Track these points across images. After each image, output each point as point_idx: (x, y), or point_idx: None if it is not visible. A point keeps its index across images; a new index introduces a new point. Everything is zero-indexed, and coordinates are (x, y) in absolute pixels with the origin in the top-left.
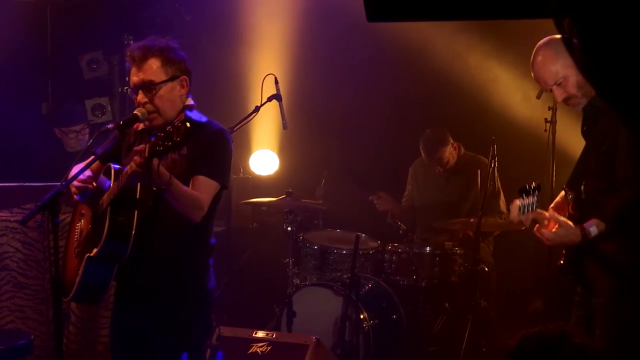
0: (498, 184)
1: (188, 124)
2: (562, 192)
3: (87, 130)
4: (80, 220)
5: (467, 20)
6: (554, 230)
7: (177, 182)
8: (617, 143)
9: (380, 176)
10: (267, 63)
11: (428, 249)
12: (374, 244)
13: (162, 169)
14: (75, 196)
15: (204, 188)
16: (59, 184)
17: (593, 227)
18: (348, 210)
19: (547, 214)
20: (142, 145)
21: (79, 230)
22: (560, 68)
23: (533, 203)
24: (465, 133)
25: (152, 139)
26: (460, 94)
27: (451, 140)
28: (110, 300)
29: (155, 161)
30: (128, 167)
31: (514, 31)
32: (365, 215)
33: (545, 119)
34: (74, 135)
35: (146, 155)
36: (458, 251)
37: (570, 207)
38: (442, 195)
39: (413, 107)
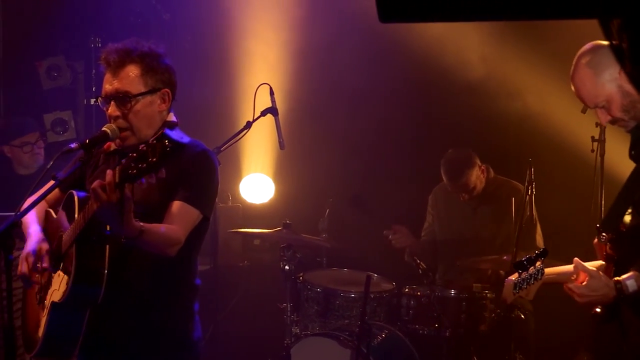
0: (535, 214)
1: (166, 142)
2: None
3: (42, 143)
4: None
5: (497, 20)
6: (584, 283)
7: (148, 230)
8: None
9: (395, 206)
10: (261, 71)
11: (452, 292)
12: (388, 286)
13: (130, 212)
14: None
15: (181, 217)
16: (13, 214)
17: (631, 281)
18: (357, 246)
19: (570, 266)
20: (108, 174)
21: (40, 272)
22: (602, 89)
23: (534, 274)
24: (496, 154)
25: (123, 161)
26: (489, 108)
27: (478, 162)
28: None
29: (128, 187)
30: (90, 200)
31: (555, 33)
32: (378, 252)
33: (592, 137)
34: (28, 148)
35: (117, 180)
36: (489, 295)
37: (607, 246)
38: (468, 228)
39: (433, 124)
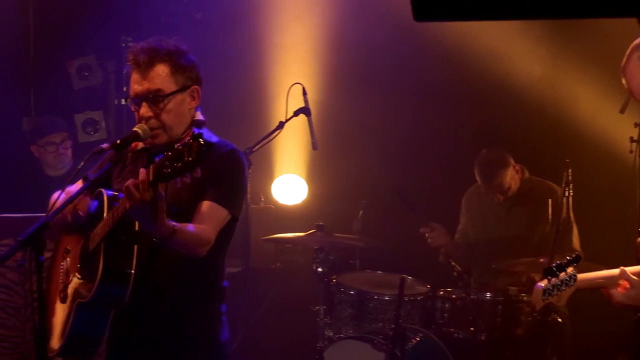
0: (571, 215)
1: (201, 141)
2: None
3: (69, 144)
4: (65, 258)
5: (533, 19)
6: (624, 291)
7: (180, 230)
8: None
9: (430, 207)
10: (294, 70)
11: (488, 295)
12: (422, 289)
13: (163, 211)
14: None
15: (210, 217)
16: (43, 215)
17: None
18: (391, 247)
19: (613, 271)
20: (142, 172)
21: (64, 271)
22: None
23: (565, 280)
24: (531, 155)
25: (157, 159)
26: (525, 107)
27: (512, 162)
28: (103, 356)
29: (162, 187)
30: (121, 199)
31: (591, 31)
32: (412, 254)
33: (631, 138)
34: (53, 148)
35: (151, 178)
36: (525, 298)
37: None
38: (502, 230)
39: (468, 124)
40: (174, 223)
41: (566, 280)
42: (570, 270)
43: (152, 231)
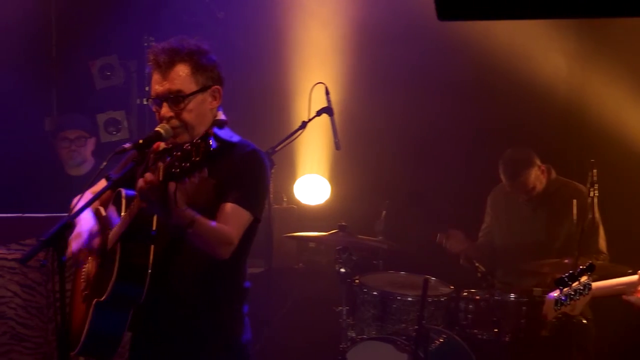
0: (597, 217)
1: (210, 141)
2: None
3: (84, 142)
4: (87, 258)
5: (560, 18)
6: None
7: (200, 221)
8: None
9: (454, 206)
10: (316, 70)
11: (512, 296)
12: (446, 290)
13: (181, 201)
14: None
15: (233, 218)
16: (65, 214)
17: None
18: (414, 248)
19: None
20: (148, 174)
21: (86, 271)
22: None
23: (578, 290)
24: (557, 154)
25: (168, 159)
26: (550, 106)
27: (538, 162)
28: (125, 356)
29: (172, 186)
30: (135, 199)
31: (617, 31)
32: (435, 255)
33: None
34: (66, 144)
35: (160, 178)
36: None
37: None
38: (527, 230)
39: (492, 123)
40: (194, 213)
41: (580, 289)
42: (583, 279)
43: (171, 221)
